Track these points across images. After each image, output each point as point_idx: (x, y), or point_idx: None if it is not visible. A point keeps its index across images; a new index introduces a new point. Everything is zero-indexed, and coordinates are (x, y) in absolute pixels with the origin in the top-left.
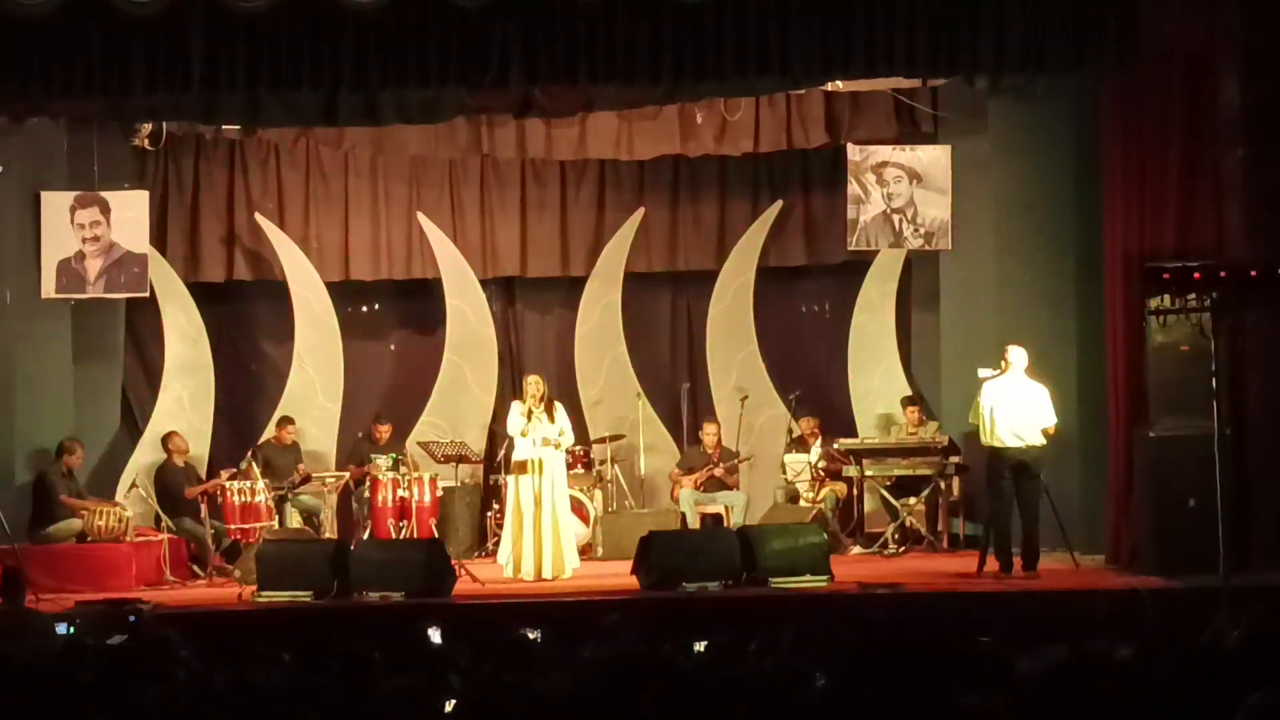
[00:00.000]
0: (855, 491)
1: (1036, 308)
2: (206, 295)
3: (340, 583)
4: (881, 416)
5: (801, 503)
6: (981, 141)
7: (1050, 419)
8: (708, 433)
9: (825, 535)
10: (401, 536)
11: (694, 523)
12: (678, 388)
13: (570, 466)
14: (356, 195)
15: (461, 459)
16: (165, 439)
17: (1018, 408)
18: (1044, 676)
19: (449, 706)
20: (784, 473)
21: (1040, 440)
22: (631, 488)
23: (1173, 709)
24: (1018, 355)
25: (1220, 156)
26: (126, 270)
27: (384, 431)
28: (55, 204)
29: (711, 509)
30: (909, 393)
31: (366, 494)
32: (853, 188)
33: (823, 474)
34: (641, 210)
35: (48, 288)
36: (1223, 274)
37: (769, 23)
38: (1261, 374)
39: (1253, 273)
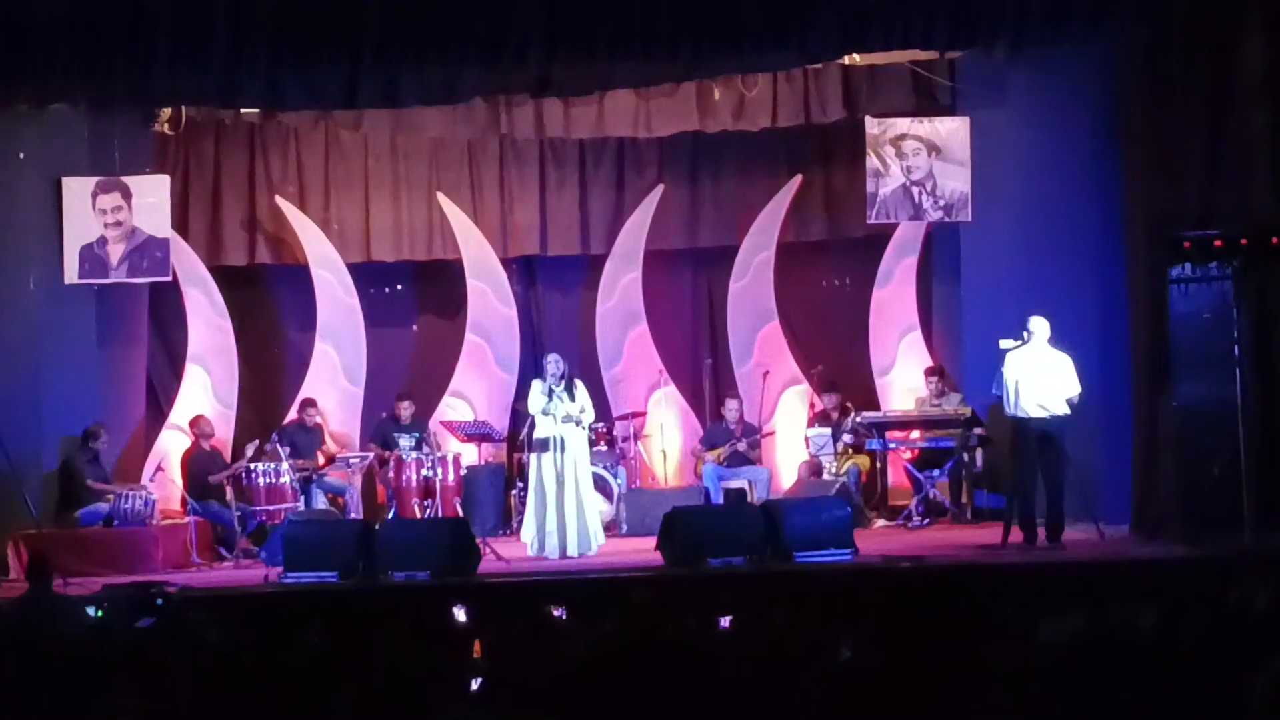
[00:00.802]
0: (878, 465)
1: (1058, 277)
2: (229, 279)
3: (366, 563)
4: (904, 389)
5: (825, 476)
6: (1000, 112)
7: (1074, 388)
8: (730, 408)
9: (849, 509)
10: (426, 516)
11: (718, 498)
12: (699, 364)
13: (593, 444)
14: (376, 177)
15: (485, 438)
16: (192, 423)
17: (1041, 378)
18: (1065, 644)
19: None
20: (807, 447)
21: (1064, 410)
22: (654, 464)
23: (1199, 675)
24: (1039, 325)
25: (1243, 121)
26: (149, 255)
27: (406, 409)
28: (77, 190)
29: (735, 484)
30: (930, 365)
31: (391, 474)
32: (871, 161)
33: (850, 449)
34: (660, 187)
35: (71, 273)
36: (1245, 241)
37: None
38: None
39: (1274, 239)
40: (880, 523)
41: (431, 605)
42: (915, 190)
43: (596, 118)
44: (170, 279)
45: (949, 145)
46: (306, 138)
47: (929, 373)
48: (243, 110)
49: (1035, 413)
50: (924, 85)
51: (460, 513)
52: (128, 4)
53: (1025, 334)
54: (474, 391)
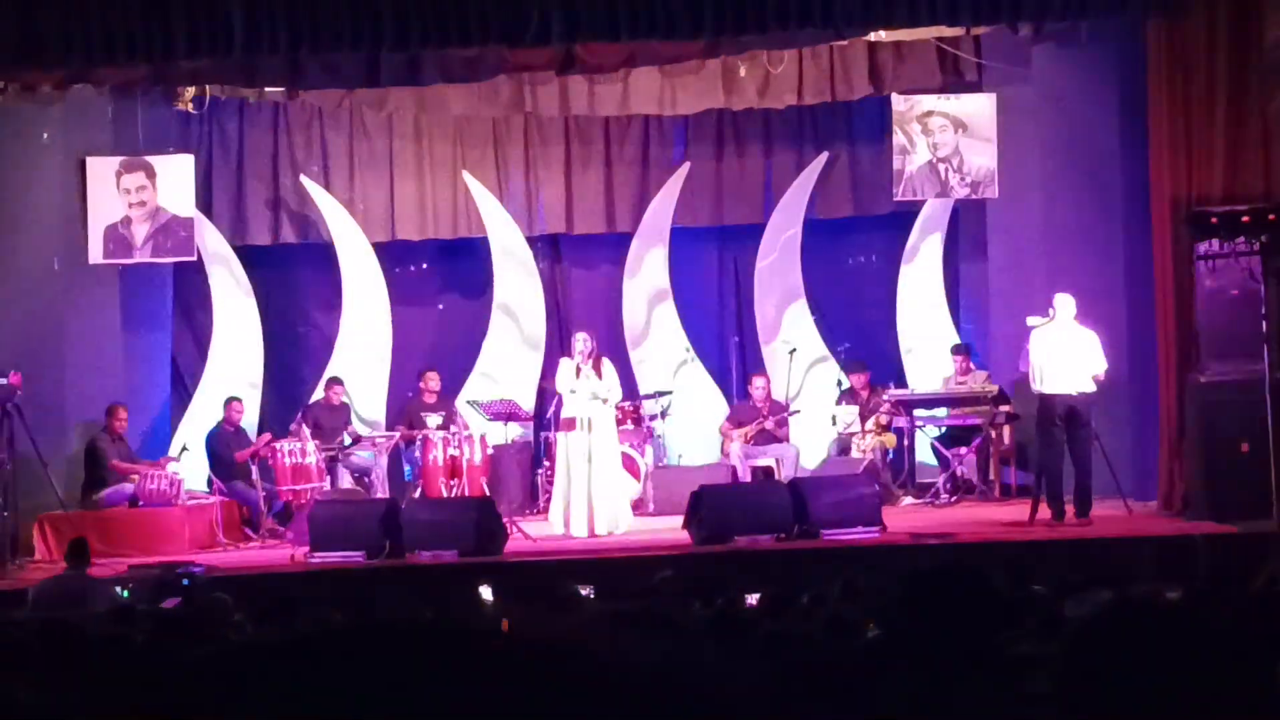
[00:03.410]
0: (906, 442)
1: (1084, 254)
2: (253, 258)
3: (392, 543)
4: (930, 367)
5: (853, 454)
6: (1026, 88)
7: (1100, 365)
8: (757, 386)
9: (877, 486)
10: (453, 495)
11: (745, 476)
12: (726, 342)
13: (620, 422)
14: (401, 156)
15: (511, 417)
16: (226, 404)
17: (1067, 354)
18: (1090, 621)
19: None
20: (834, 425)
21: (1091, 386)
22: (681, 443)
23: (1226, 654)
24: (1064, 303)
25: (1266, 99)
26: (173, 235)
27: (432, 380)
28: (101, 170)
29: (762, 462)
30: (957, 342)
31: (417, 453)
32: (898, 138)
33: (881, 429)
34: (686, 165)
35: (95, 254)
36: (1271, 217)
37: None
38: None
39: None
40: (908, 500)
41: (458, 584)
42: (942, 167)
43: (622, 95)
44: (195, 259)
45: (975, 122)
46: (331, 117)
47: (955, 351)
48: (266, 89)
49: (1062, 389)
50: (950, 62)
51: (487, 492)
52: None
53: (1050, 311)
54: (500, 370)
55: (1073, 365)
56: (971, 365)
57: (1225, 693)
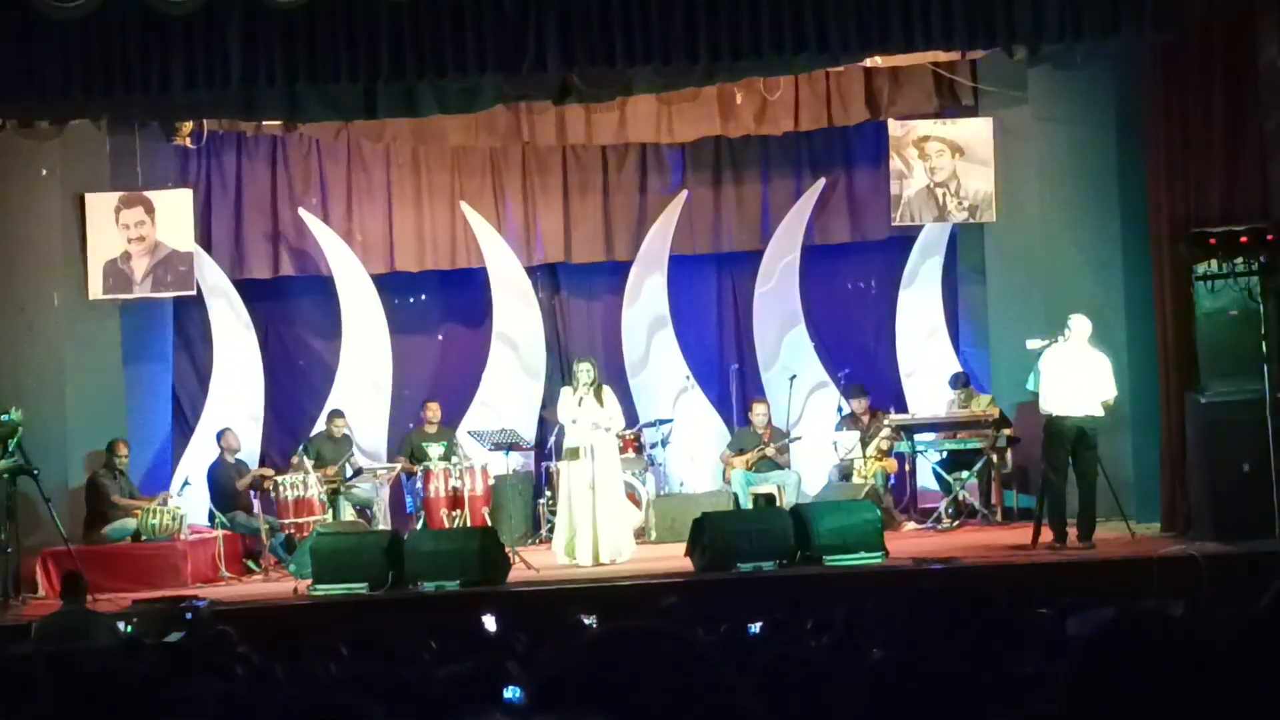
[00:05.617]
0: (907, 467)
1: (1083, 276)
2: (253, 292)
3: (395, 574)
4: (931, 391)
5: (855, 479)
6: (1022, 112)
7: (1110, 390)
8: (758, 413)
9: (879, 512)
10: (455, 526)
11: (746, 503)
12: (726, 369)
13: (621, 451)
14: (399, 187)
15: (512, 447)
16: (220, 436)
17: (1078, 377)
18: (1095, 638)
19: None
20: (835, 451)
21: (1099, 411)
22: (683, 470)
23: (1230, 676)
24: (1080, 324)
25: (1263, 119)
26: (173, 269)
27: (433, 410)
28: (100, 205)
29: (764, 489)
30: (958, 369)
31: (419, 485)
32: (895, 163)
33: (882, 454)
34: (684, 192)
35: (95, 289)
36: (1270, 237)
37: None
38: None
39: None
40: (910, 525)
41: (461, 615)
42: (939, 191)
43: (619, 124)
44: (194, 293)
45: (972, 146)
46: (328, 149)
47: (954, 384)
48: (264, 123)
49: (1071, 411)
50: (946, 86)
51: (489, 522)
52: (142, 21)
53: (1065, 331)
54: (501, 400)
55: (1083, 388)
56: (973, 390)
57: (1229, 707)
